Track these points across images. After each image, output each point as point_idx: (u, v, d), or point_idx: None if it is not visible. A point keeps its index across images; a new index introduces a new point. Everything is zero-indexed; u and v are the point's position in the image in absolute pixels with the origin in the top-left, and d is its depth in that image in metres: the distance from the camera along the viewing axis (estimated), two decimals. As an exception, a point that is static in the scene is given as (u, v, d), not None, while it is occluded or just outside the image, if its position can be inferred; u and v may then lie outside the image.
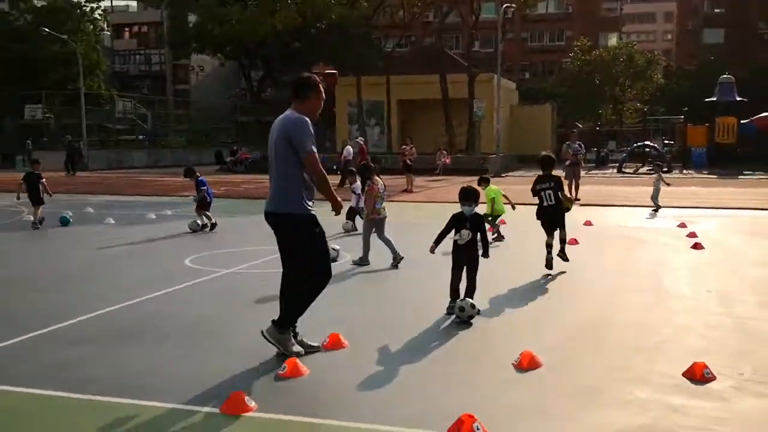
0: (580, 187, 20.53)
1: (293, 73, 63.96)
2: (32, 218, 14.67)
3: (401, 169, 25.93)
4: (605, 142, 44.00)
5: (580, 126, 48.03)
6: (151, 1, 70.68)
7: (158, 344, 6.26)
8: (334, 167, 34.60)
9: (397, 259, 10.06)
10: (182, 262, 10.49)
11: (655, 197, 18.02)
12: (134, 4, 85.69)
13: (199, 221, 13.93)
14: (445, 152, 35.02)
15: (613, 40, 69.02)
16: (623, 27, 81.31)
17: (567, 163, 20.32)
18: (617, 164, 38.02)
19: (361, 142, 27.17)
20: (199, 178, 14.29)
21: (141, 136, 50.60)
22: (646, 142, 39.45)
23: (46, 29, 46.70)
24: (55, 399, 4.92)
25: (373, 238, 10.36)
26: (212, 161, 46.35)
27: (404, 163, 24.25)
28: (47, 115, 46.32)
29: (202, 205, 14.06)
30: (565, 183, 20.12)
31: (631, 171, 35.88)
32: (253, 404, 4.65)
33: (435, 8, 46.14)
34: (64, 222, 14.95)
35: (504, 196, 12.86)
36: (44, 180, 15.09)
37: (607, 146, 43.03)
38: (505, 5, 37.50)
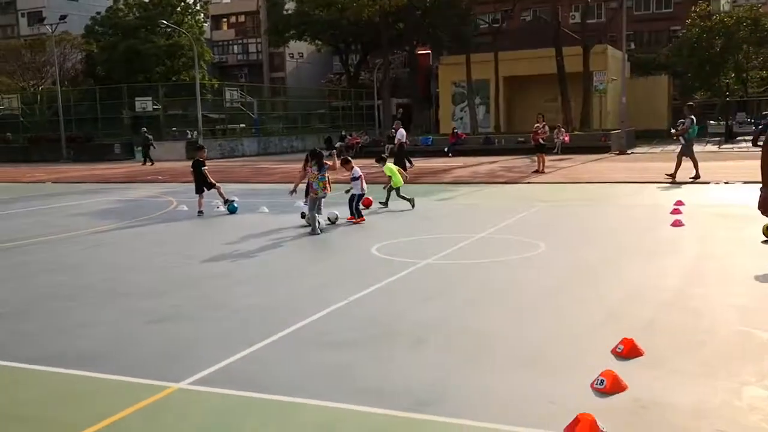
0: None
1: (397, 55, 63.54)
2: (198, 207, 14.85)
3: (532, 149, 24.85)
4: (733, 114, 40.92)
5: (696, 98, 45.44)
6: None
7: (420, 349, 5.75)
8: (447, 149, 33.86)
9: (313, 231, 11.64)
10: (369, 252, 10.06)
11: None
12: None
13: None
14: (563, 129, 33.66)
15: (725, 3, 64.85)
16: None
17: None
18: (750, 137, 35.39)
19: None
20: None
21: (246, 125, 51.18)
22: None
23: (165, 22, 47.98)
24: (360, 415, 4.47)
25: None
26: (319, 147, 46.41)
27: (536, 142, 23.17)
28: (155, 107, 47.55)
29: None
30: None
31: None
32: (605, 429, 4.01)
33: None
34: (232, 210, 14.92)
35: (399, 171, 14.97)
36: (206, 168, 15.12)
37: (735, 118, 40.10)
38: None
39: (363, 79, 64.58)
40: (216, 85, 57.34)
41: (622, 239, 10.58)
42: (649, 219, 12.57)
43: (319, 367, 5.38)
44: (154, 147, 36.88)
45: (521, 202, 15.51)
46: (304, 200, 13.49)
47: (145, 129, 38.36)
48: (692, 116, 18.86)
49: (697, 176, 18.33)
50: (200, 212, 14.81)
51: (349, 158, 14.43)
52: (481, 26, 58.09)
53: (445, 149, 34.15)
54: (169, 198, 18.67)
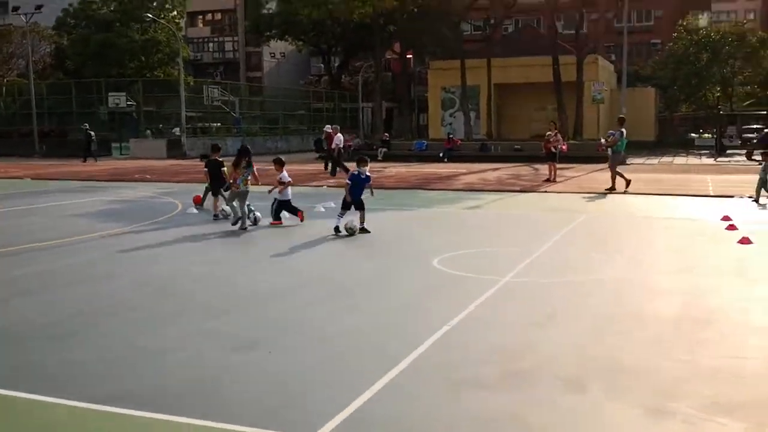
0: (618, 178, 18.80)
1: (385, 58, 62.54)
2: (213, 210, 13.66)
3: (543, 157, 24.20)
4: (724, 127, 40.61)
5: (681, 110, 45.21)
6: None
7: (583, 392, 4.84)
8: (442, 155, 32.97)
9: (239, 224, 12.05)
10: (431, 265, 9.08)
11: (759, 189, 15.84)
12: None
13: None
14: (560, 138, 33.11)
15: (703, 19, 65.53)
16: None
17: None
18: (742, 151, 35.14)
19: (329, 130, 25.63)
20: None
21: (223, 124, 49.64)
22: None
23: (149, 15, 46.60)
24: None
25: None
26: (304, 148, 45.34)
27: (548, 151, 22.49)
28: (129, 103, 45.78)
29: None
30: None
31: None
32: None
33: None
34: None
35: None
36: (225, 168, 13.97)
37: (726, 131, 39.88)
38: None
39: (343, 81, 63.57)
40: (192, 83, 55.56)
41: (699, 258, 9.80)
42: (708, 234, 11.83)
43: (476, 413, 4.46)
44: (95, 143, 35.53)
45: (559, 213, 14.73)
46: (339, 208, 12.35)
47: (86, 125, 36.66)
48: (622, 129, 19.12)
49: (612, 188, 18.58)
50: (215, 216, 13.66)
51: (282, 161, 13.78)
52: (465, 33, 57.58)
53: (440, 154, 33.36)
54: (170, 199, 17.40)
